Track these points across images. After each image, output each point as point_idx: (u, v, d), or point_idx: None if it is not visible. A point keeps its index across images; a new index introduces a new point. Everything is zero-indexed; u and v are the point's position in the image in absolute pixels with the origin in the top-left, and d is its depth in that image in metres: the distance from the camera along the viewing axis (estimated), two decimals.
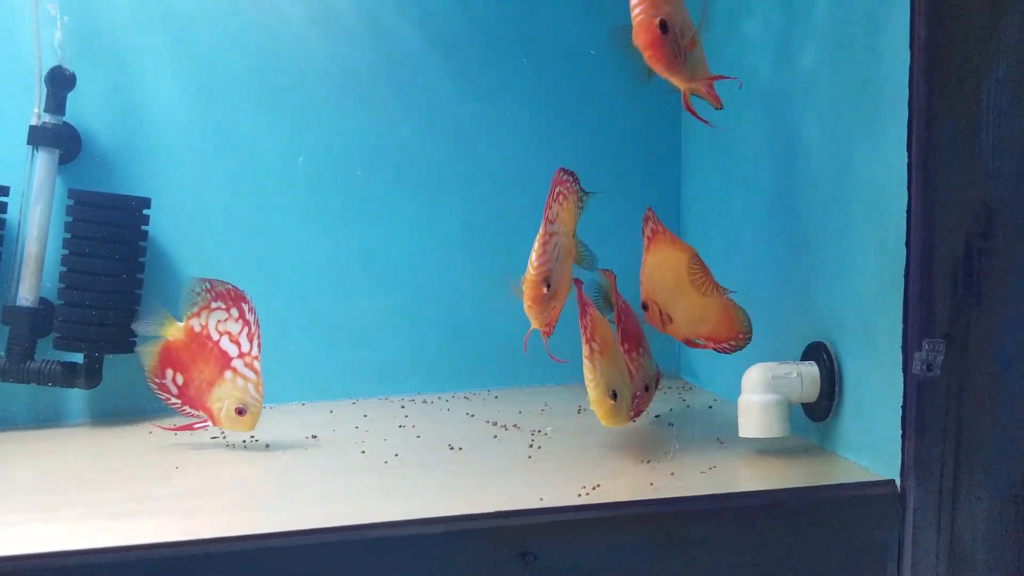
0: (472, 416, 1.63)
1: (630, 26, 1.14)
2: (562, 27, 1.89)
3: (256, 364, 1.39)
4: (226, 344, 1.40)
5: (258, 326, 1.40)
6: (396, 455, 1.35)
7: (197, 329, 1.42)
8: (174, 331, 1.45)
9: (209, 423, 1.43)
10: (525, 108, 1.89)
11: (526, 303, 1.26)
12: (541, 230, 1.27)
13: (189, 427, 1.45)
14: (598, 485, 1.14)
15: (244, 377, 1.38)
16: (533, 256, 1.26)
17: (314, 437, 1.49)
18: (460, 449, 1.39)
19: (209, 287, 1.43)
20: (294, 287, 1.81)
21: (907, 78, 1.10)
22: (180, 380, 1.44)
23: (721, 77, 1.27)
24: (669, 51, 1.14)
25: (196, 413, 1.43)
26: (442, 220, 1.87)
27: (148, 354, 1.45)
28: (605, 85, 1.91)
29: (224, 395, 1.39)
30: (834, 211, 1.29)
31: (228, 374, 1.39)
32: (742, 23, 1.59)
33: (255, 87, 1.79)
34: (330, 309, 1.84)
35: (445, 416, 1.64)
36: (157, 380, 1.45)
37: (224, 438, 1.51)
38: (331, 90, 1.82)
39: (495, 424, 1.55)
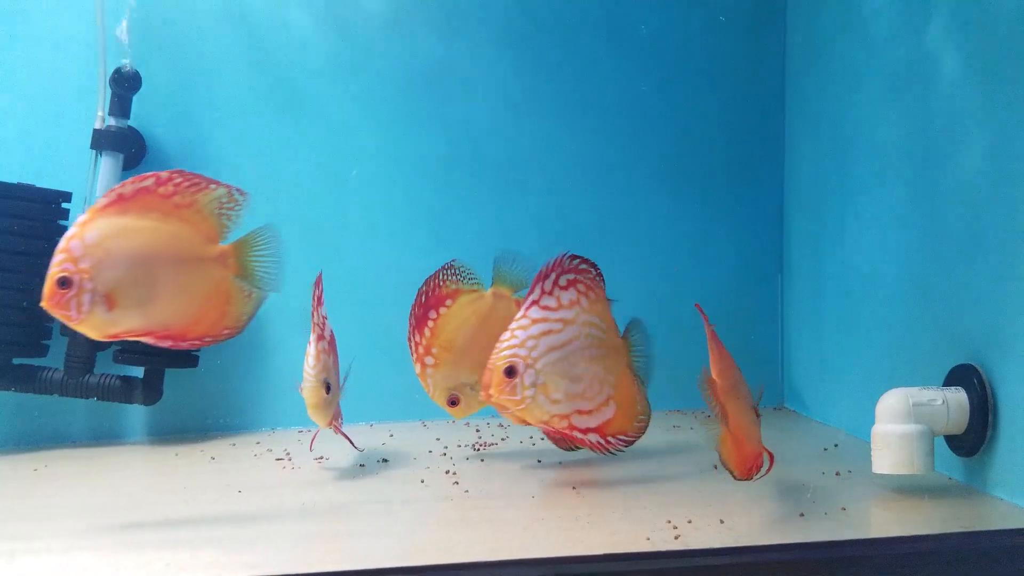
0: None
1: None
2: (655, 14, 1.78)
3: (310, 347, 1.29)
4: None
5: (320, 303, 1.32)
6: (476, 482, 1.22)
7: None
8: None
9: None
10: (612, 109, 1.77)
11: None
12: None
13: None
14: (707, 521, 0.98)
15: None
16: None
17: (384, 461, 1.37)
18: (550, 477, 1.24)
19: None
20: (362, 302, 1.71)
21: None
22: None
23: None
24: None
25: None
26: (520, 233, 1.75)
27: None
28: (698, 75, 1.79)
29: None
30: (992, 211, 1.11)
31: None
32: None
33: (324, 93, 1.70)
34: (401, 326, 1.73)
35: (525, 440, 1.50)
36: None
37: (290, 459, 1.40)
38: (404, 94, 1.72)
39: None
